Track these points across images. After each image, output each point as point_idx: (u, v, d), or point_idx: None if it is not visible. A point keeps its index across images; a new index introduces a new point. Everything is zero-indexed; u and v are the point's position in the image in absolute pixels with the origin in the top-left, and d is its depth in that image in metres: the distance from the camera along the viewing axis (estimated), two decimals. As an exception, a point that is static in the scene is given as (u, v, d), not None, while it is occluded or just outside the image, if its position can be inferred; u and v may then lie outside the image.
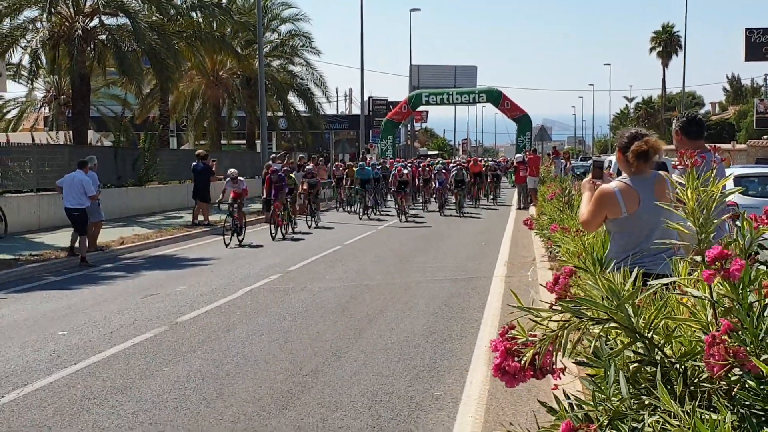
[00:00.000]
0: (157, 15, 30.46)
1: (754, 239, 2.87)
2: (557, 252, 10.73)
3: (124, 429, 6.39)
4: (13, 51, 29.03)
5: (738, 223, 2.86)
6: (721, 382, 2.61)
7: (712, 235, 2.96)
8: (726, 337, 2.53)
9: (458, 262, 16.11)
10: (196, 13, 33.97)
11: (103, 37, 29.26)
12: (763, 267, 2.88)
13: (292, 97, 46.81)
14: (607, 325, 2.83)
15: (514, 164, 34.14)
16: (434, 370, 7.98)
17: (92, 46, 28.97)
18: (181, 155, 36.12)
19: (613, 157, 26.94)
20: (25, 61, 31.44)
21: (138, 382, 7.73)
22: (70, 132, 32.16)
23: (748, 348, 2.53)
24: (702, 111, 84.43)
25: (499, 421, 6.20)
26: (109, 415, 6.75)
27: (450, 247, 18.92)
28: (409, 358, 8.49)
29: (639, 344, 2.83)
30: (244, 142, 48.71)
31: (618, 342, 2.92)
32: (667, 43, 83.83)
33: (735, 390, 2.59)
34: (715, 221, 2.94)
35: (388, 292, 12.54)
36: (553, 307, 2.87)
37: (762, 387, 2.51)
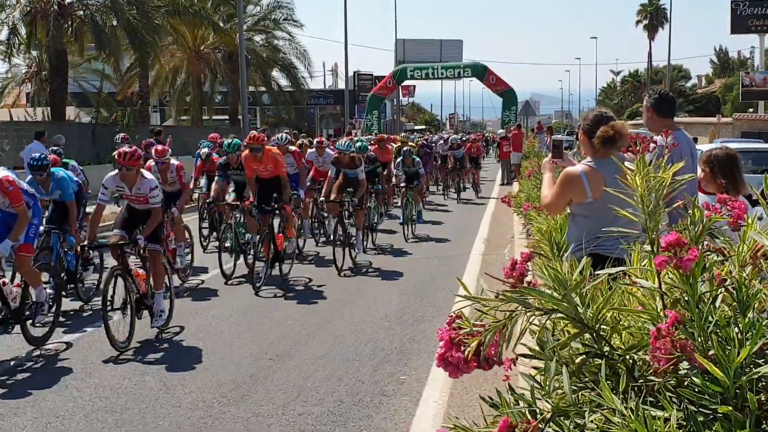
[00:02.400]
0: (136, -11, 30.08)
1: (705, 228, 2.73)
2: (533, 230, 10.62)
3: (81, 414, 6.25)
4: (-9, 26, 28.64)
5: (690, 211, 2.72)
6: (669, 377, 2.48)
7: (664, 223, 2.83)
8: (674, 330, 2.40)
9: (439, 237, 16.00)
10: (176, -13, 33.58)
11: (81, 12, 28.84)
12: (713, 255, 2.75)
13: (275, 72, 46.46)
14: (553, 316, 2.70)
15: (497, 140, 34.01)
16: (402, 353, 7.86)
17: (70, 21, 28.55)
18: (163, 131, 35.71)
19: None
20: (3, 36, 31.03)
21: (99, 367, 7.60)
22: (48, 108, 31.82)
23: (696, 342, 2.40)
24: (688, 84, 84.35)
25: (463, 405, 6.09)
26: (65, 401, 6.60)
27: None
28: (378, 340, 8.37)
29: (587, 336, 2.70)
30: (227, 117, 48.36)
31: (565, 333, 2.79)
32: (653, 16, 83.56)
33: (679, 387, 2.46)
34: (665, 210, 2.79)
35: (350, 275, 12.41)
36: (499, 296, 2.74)
37: (708, 384, 2.37)
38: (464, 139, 33.29)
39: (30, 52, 36.96)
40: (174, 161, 11.69)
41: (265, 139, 12.31)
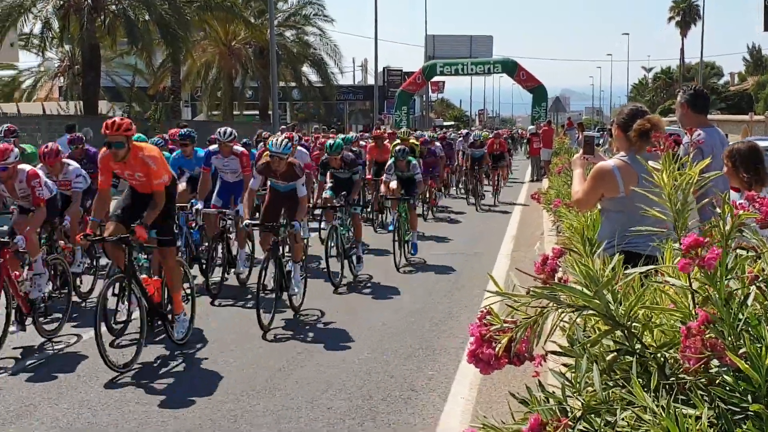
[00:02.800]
0: (168, -16, 30.28)
1: (734, 226, 2.72)
2: (563, 227, 10.58)
3: (112, 403, 6.32)
4: (24, 20, 28.94)
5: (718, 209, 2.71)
6: (700, 375, 2.48)
7: (694, 220, 2.83)
8: (704, 329, 2.40)
9: (465, 237, 15.97)
10: (208, -18, 33.77)
11: (114, 7, 29.08)
12: (743, 252, 2.73)
13: (305, 68, 46.60)
14: (584, 313, 2.70)
15: (528, 136, 33.79)
16: (430, 349, 7.87)
17: (102, 15, 28.82)
18: (194, 126, 35.97)
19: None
20: (37, 30, 31.37)
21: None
22: (81, 102, 32.13)
23: (725, 341, 2.39)
24: (721, 81, 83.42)
25: (491, 402, 6.10)
26: (96, 393, 6.68)
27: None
28: (406, 336, 8.38)
29: (618, 333, 2.69)
30: (258, 112, 48.55)
31: (596, 330, 2.79)
32: (686, 13, 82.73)
33: (710, 386, 2.45)
34: (693, 207, 2.78)
35: (389, 266, 12.43)
36: (530, 292, 2.75)
37: (739, 382, 2.37)
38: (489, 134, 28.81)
39: (63, 46, 37.38)
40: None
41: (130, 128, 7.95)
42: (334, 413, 6.13)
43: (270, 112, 41.97)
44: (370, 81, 63.22)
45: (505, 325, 2.65)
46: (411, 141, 17.43)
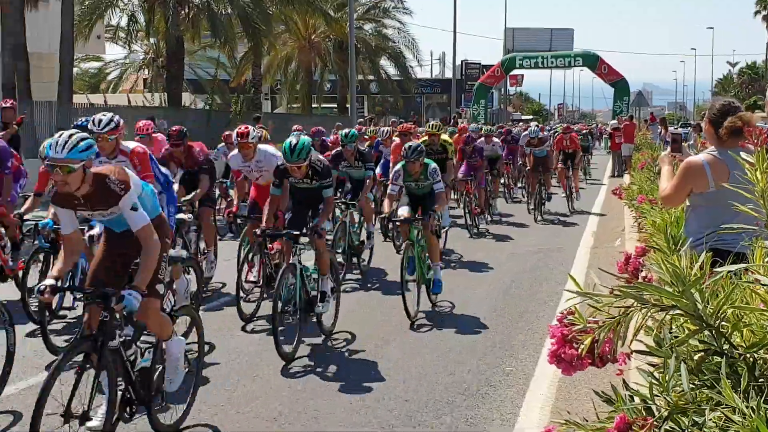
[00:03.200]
0: (250, -22, 30.72)
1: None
2: (645, 223, 10.41)
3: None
4: (111, 13, 29.69)
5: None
6: (793, 377, 2.43)
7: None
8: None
9: (542, 233, 15.83)
10: (289, -23, 34.14)
11: (197, 0, 29.64)
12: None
13: (383, 61, 46.75)
14: (671, 312, 2.66)
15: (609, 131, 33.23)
16: (508, 345, 7.83)
17: (186, 9, 29.39)
18: (274, 118, 36.46)
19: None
20: (123, 23, 32.17)
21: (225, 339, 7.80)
22: (165, 94, 32.82)
23: (821, 342, 2.34)
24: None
25: (571, 399, 6.04)
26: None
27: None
28: (484, 331, 8.36)
29: (706, 333, 2.65)
30: (336, 105, 48.90)
31: (684, 330, 2.75)
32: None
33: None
34: (788, 205, 2.72)
35: (459, 264, 12.38)
36: (614, 292, 2.72)
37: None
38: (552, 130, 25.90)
39: (148, 38, 38.25)
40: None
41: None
42: (411, 405, 6.16)
43: (348, 106, 42.26)
44: (448, 74, 63.02)
45: (588, 325, 2.63)
46: (442, 137, 13.65)
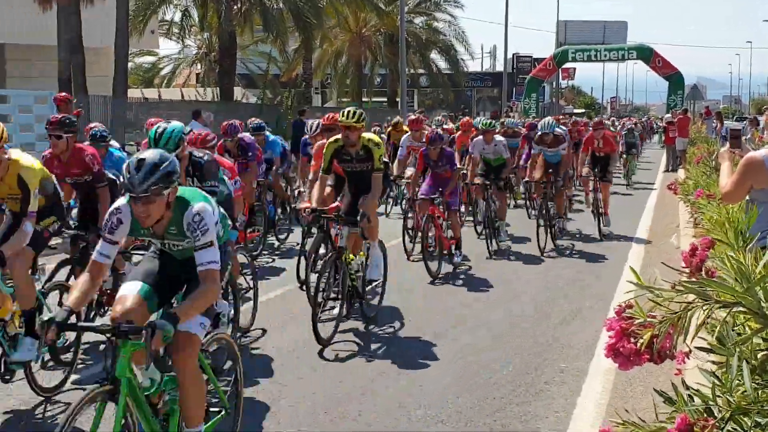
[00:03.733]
0: (302, -27, 30.87)
1: None
2: (701, 219, 10.22)
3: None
4: (165, 8, 30.05)
5: None
6: None
7: None
8: None
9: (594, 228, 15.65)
10: (340, -30, 34.23)
11: (250, -5, 29.91)
12: None
13: (434, 54, 46.69)
14: (734, 309, 2.59)
15: (663, 125, 32.69)
16: (561, 342, 7.74)
17: (239, 4, 29.63)
18: (325, 112, 36.58)
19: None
20: (177, 18, 32.53)
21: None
22: (218, 88, 33.12)
23: None
24: None
25: (626, 398, 5.95)
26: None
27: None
28: (536, 328, 8.27)
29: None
30: (386, 99, 48.94)
31: (746, 328, 2.68)
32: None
33: None
34: None
35: (520, 256, 12.29)
36: (676, 287, 2.65)
37: None
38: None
39: (201, 33, 38.62)
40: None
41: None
42: (462, 402, 6.11)
43: (398, 99, 42.26)
44: (499, 67, 62.74)
45: (647, 320, 2.57)
46: (365, 136, 8.72)
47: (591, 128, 16.01)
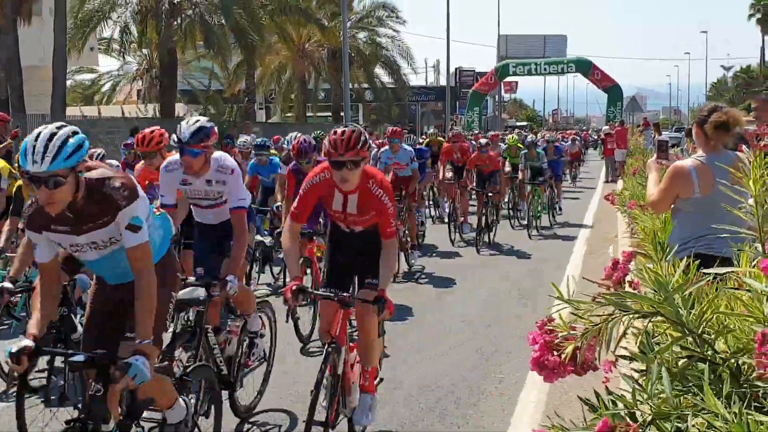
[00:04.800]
0: (243, -12, 30.82)
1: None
2: (637, 229, 10.43)
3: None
4: (104, 25, 29.75)
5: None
6: (776, 382, 2.43)
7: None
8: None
9: (534, 238, 15.84)
10: (282, -14, 34.24)
11: (190, 11, 29.71)
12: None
13: (378, 69, 46.86)
14: (653, 319, 2.67)
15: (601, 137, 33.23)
16: (500, 352, 7.83)
17: (179, 20, 29.47)
18: (267, 128, 36.50)
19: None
20: (116, 34, 32.22)
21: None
22: (159, 105, 32.87)
23: (803, 349, 2.35)
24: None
25: (562, 406, 6.04)
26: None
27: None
28: (476, 338, 8.35)
29: (689, 339, 2.66)
30: (330, 114, 48.99)
31: (668, 336, 2.76)
32: (767, 10, 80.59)
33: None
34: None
35: (457, 269, 12.38)
36: (596, 299, 2.72)
37: (814, 392, 2.33)
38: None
39: (141, 50, 38.26)
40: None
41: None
42: (402, 415, 6.15)
43: (342, 114, 42.34)
44: (443, 82, 63.18)
45: (571, 332, 2.64)
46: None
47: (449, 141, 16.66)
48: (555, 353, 2.65)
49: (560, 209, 18.91)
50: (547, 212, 17.70)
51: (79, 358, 3.94)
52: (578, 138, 35.39)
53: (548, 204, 17.69)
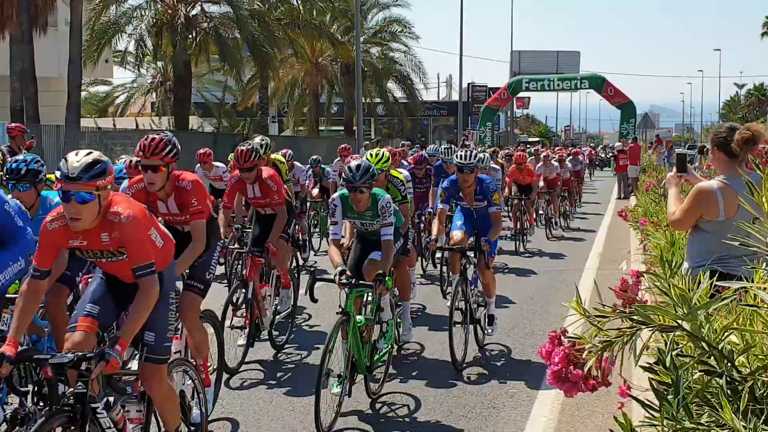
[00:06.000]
0: (258, 3, 30.94)
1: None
2: (650, 245, 10.40)
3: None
4: (119, 38, 29.94)
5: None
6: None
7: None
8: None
9: (548, 252, 15.82)
10: (296, 1, 34.39)
11: (205, 24, 29.88)
12: None
13: (390, 84, 47.00)
14: (675, 334, 2.66)
15: (615, 153, 33.17)
16: (513, 366, 7.81)
17: (194, 33, 29.64)
18: (281, 141, 36.61)
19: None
20: (131, 47, 32.42)
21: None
22: (173, 117, 33.01)
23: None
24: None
25: (574, 422, 6.02)
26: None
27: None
28: (488, 352, 8.33)
29: (709, 355, 2.65)
30: (343, 128, 49.13)
31: (686, 350, 2.74)
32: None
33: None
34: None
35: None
36: (618, 311, 2.71)
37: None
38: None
39: (156, 62, 38.50)
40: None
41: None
42: (414, 428, 6.14)
43: (355, 128, 42.44)
44: (455, 97, 63.28)
45: (590, 345, 2.62)
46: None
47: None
48: (576, 367, 2.63)
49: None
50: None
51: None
52: (570, 157, 25.31)
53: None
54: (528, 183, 16.86)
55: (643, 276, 3.14)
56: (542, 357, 2.62)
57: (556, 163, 20.05)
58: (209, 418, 5.70)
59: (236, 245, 9.73)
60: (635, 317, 2.69)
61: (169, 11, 29.47)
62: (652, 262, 8.41)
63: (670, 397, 2.61)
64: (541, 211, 18.92)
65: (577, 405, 6.31)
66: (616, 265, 12.98)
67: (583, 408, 6.21)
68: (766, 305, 2.67)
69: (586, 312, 2.73)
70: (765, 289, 2.78)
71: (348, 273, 6.53)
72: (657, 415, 2.58)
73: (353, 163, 6.93)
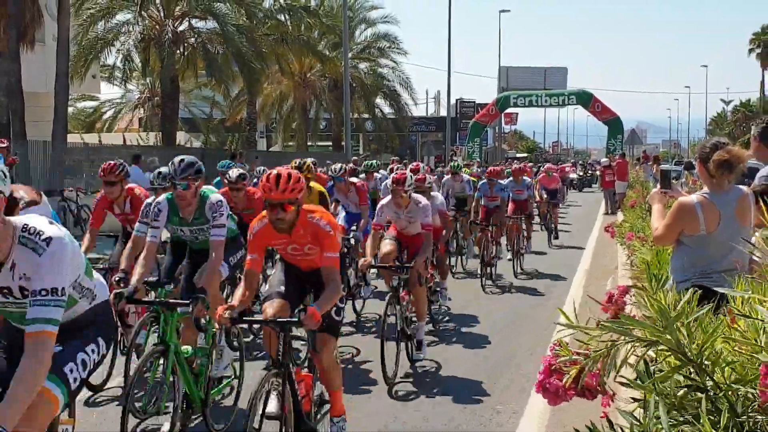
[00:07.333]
0: (245, 18, 31.00)
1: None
2: (636, 261, 10.43)
3: None
4: (107, 53, 29.93)
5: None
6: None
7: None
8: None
9: (535, 268, 15.84)
10: (284, 16, 34.48)
11: (192, 40, 29.91)
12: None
13: (378, 99, 47.09)
14: (655, 347, 2.67)
15: (600, 169, 33.30)
16: (498, 383, 7.79)
17: (182, 49, 29.66)
18: (267, 156, 36.61)
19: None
20: (119, 62, 32.40)
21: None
22: (160, 133, 32.99)
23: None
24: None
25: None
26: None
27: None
28: (474, 370, 8.31)
29: (689, 368, 2.65)
30: (331, 143, 49.17)
31: (666, 364, 2.75)
32: (766, 45, 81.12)
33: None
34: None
35: (459, 299, 12.37)
36: (601, 325, 2.72)
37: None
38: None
39: (143, 78, 38.49)
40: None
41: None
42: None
43: (343, 143, 42.48)
44: (443, 112, 63.43)
45: (574, 357, 2.64)
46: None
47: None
48: (560, 377, 2.66)
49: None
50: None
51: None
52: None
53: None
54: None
55: (630, 291, 3.15)
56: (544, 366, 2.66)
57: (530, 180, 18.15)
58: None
59: None
60: (618, 328, 2.70)
61: (157, 27, 29.49)
62: (639, 277, 8.43)
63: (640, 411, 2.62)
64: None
65: (562, 423, 6.29)
66: (603, 282, 13.02)
67: (568, 425, 6.18)
68: (745, 314, 2.69)
69: (574, 324, 2.74)
70: (743, 301, 2.80)
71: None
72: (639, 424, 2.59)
73: (177, 158, 6.36)
